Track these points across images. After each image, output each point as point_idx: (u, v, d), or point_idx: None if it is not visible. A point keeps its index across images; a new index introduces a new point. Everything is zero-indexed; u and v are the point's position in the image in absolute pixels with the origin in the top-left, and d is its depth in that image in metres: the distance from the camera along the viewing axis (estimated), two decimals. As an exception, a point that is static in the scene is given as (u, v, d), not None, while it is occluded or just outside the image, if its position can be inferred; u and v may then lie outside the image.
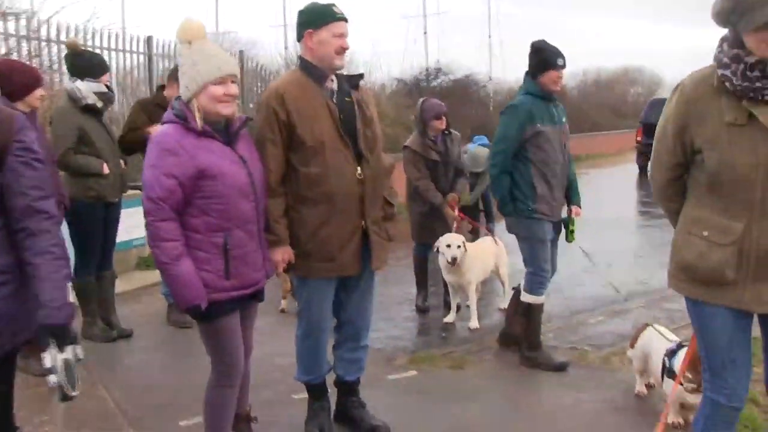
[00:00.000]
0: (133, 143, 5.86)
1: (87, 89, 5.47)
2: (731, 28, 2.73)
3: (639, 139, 21.14)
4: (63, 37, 8.95)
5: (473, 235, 8.05)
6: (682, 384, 4.00)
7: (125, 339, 5.94)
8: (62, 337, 2.56)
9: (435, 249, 6.34)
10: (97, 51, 9.29)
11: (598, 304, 6.77)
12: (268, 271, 3.61)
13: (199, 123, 3.25)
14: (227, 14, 64.32)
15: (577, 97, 35.06)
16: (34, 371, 4.18)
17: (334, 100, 3.77)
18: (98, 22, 13.73)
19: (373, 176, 3.82)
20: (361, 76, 4.03)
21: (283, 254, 3.69)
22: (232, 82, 3.32)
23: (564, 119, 5.18)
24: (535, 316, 5.25)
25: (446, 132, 6.59)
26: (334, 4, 3.76)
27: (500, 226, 11.30)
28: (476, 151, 9.61)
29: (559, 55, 5.03)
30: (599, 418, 4.35)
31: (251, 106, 11.91)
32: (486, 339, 5.99)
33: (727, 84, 2.74)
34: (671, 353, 4.20)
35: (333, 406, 4.20)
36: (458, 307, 6.59)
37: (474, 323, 6.28)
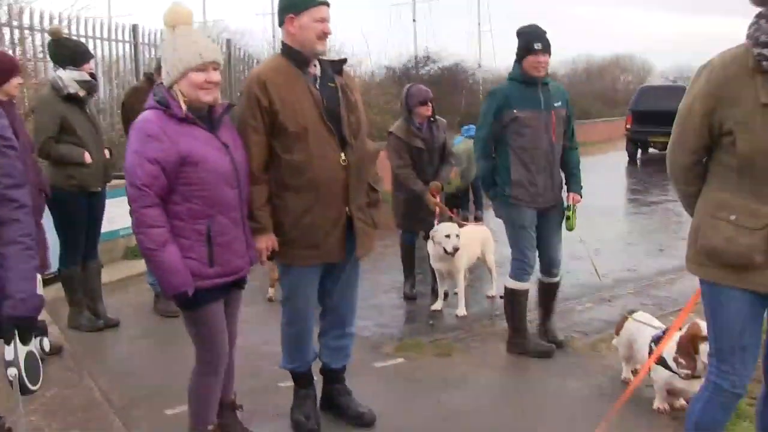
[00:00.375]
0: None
1: (69, 78, 5.41)
2: None
3: (628, 126, 21.18)
4: (47, 25, 8.85)
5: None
6: (668, 367, 4.02)
7: (112, 328, 5.91)
8: (27, 329, 2.52)
9: (430, 238, 6.31)
10: (82, 39, 9.23)
11: (585, 291, 6.77)
12: (252, 259, 3.59)
13: (183, 108, 3.22)
14: (215, 3, 63.92)
15: (566, 85, 34.94)
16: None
17: (317, 86, 3.72)
18: (84, 11, 13.61)
19: (358, 162, 3.79)
20: (344, 61, 3.96)
21: (266, 242, 3.67)
22: (214, 69, 3.29)
23: (557, 104, 5.04)
24: (519, 302, 5.23)
25: (432, 119, 6.53)
26: None
27: (489, 213, 11.41)
28: (458, 146, 9.70)
29: (538, 39, 4.93)
30: (586, 405, 4.36)
31: (239, 94, 11.84)
32: (473, 326, 5.99)
33: (764, 63, 2.66)
34: (657, 340, 4.20)
35: (319, 394, 4.19)
36: (446, 295, 6.59)
37: (461, 311, 6.27)
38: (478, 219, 10.17)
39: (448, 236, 6.13)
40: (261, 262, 3.73)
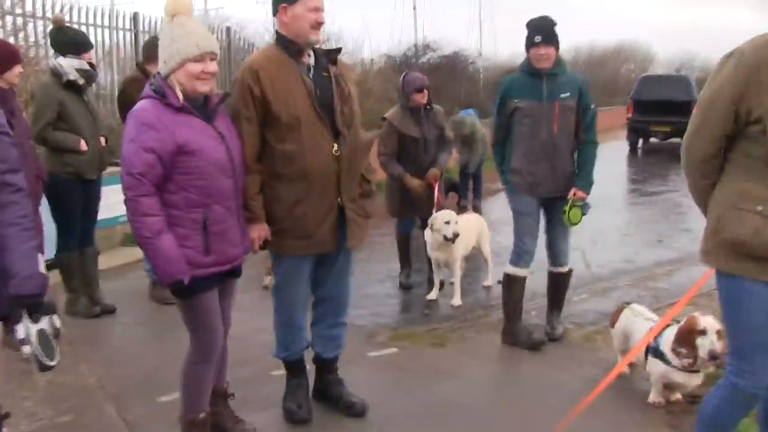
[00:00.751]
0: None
1: (68, 65, 5.46)
2: None
3: (629, 115, 21.08)
4: (49, 13, 8.85)
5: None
6: (666, 360, 4.03)
7: (108, 315, 5.95)
8: (34, 307, 2.57)
9: (428, 227, 6.30)
10: (83, 27, 9.24)
11: (581, 282, 6.73)
12: (247, 247, 3.61)
13: (180, 97, 3.23)
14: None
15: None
16: (14, 345, 4.20)
17: (311, 76, 3.72)
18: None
19: (350, 153, 3.78)
20: (338, 50, 3.95)
21: (259, 231, 3.68)
22: (211, 59, 3.29)
23: (563, 95, 5.00)
24: (514, 289, 5.25)
25: (428, 107, 6.50)
26: None
27: (486, 203, 11.44)
28: (459, 116, 9.81)
29: (539, 31, 4.94)
30: (580, 397, 4.33)
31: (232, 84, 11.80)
32: (468, 316, 6.00)
33: None
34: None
35: (312, 384, 4.21)
36: (442, 284, 6.59)
37: (457, 300, 6.28)
38: (475, 209, 10.18)
39: (447, 222, 6.13)
40: (253, 251, 3.74)
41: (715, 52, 30.52)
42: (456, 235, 6.10)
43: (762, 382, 2.90)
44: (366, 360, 4.97)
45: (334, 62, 3.84)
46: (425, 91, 6.43)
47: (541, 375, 4.75)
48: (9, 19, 8.78)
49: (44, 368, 2.64)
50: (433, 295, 6.48)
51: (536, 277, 5.58)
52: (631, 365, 4.61)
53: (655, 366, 4.15)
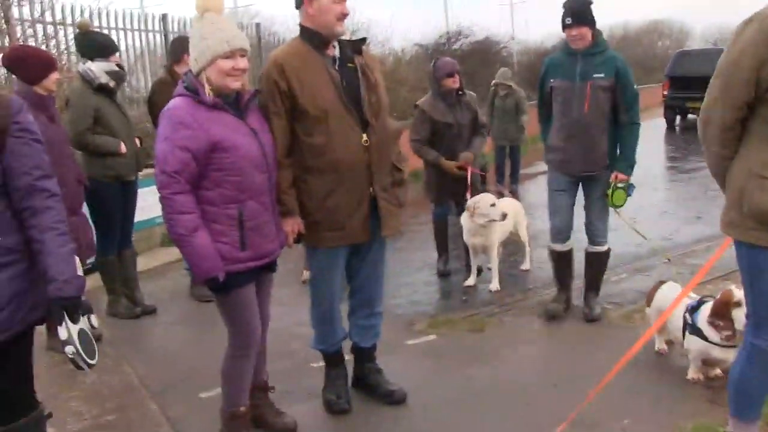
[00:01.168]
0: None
1: (99, 69, 5.48)
2: None
3: (665, 93, 20.78)
4: (78, 19, 8.97)
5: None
6: (704, 336, 3.99)
7: (149, 315, 6.03)
8: (74, 308, 2.64)
9: (465, 211, 6.27)
10: (112, 31, 9.37)
11: (619, 262, 6.66)
12: (282, 242, 3.64)
13: (209, 95, 3.25)
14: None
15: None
16: (58, 348, 4.30)
17: (336, 67, 3.71)
18: (115, 3, 13.75)
19: (379, 143, 3.78)
20: (363, 40, 3.94)
21: (293, 225, 3.70)
22: (241, 56, 3.31)
23: (597, 75, 4.99)
24: (553, 261, 5.58)
25: (460, 92, 6.47)
26: None
27: (522, 187, 11.40)
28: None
29: (569, 13, 4.99)
30: (619, 377, 4.30)
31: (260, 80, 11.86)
32: (507, 300, 5.99)
33: None
34: (692, 309, 4.16)
35: (351, 373, 4.24)
36: (479, 270, 6.58)
37: (495, 285, 6.27)
38: (513, 193, 10.13)
39: (493, 205, 6.13)
40: (288, 245, 3.76)
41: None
42: (505, 216, 6.11)
43: None
44: (404, 348, 4.99)
45: (359, 52, 3.83)
46: (456, 75, 6.39)
47: (579, 356, 4.73)
48: (39, 27, 8.91)
49: (86, 367, 2.71)
50: (470, 281, 6.47)
51: (575, 258, 5.57)
52: (670, 343, 4.57)
53: (693, 343, 4.12)
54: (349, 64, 3.77)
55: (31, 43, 8.49)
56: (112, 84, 5.57)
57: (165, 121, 3.26)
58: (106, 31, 8.94)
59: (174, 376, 4.73)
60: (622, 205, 5.14)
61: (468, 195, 6.37)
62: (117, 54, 5.78)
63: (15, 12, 8.64)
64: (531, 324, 5.36)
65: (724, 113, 2.88)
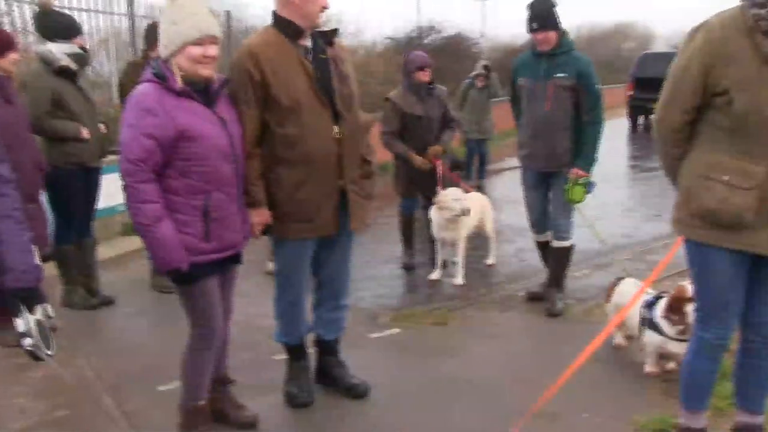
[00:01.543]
0: None
1: (59, 51, 5.30)
2: None
3: (630, 93, 20.99)
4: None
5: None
6: (660, 331, 4.03)
7: (107, 306, 5.85)
8: (31, 299, 2.56)
9: (432, 205, 6.30)
10: (76, 12, 9.15)
11: (582, 258, 6.72)
12: (248, 234, 3.59)
13: (179, 81, 3.19)
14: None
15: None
16: (7, 342, 4.15)
17: (309, 58, 3.67)
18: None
19: (351, 135, 3.75)
20: (335, 31, 3.89)
21: (260, 217, 3.65)
22: (212, 43, 3.24)
23: (559, 75, 5.11)
24: (538, 249, 5.84)
25: (431, 86, 6.49)
26: None
27: (489, 182, 11.44)
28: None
29: (534, 18, 5.10)
30: (580, 371, 4.35)
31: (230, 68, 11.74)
32: (471, 295, 6.01)
33: (761, 23, 2.71)
34: (649, 305, 4.24)
35: (314, 367, 4.21)
36: (444, 264, 6.60)
37: (459, 280, 6.29)
38: (480, 188, 10.16)
39: (457, 199, 6.14)
40: (255, 237, 3.71)
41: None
42: (467, 211, 6.11)
43: (725, 334, 3.14)
44: (368, 341, 4.98)
45: (331, 44, 3.78)
46: (427, 69, 6.42)
47: (541, 350, 4.79)
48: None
49: (42, 359, 2.63)
50: (435, 275, 6.49)
51: (535, 254, 5.62)
52: (630, 338, 4.63)
53: (650, 337, 4.21)
54: (321, 55, 3.72)
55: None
56: (74, 67, 5.39)
57: (131, 107, 3.19)
58: (68, 12, 8.72)
59: (131, 368, 4.59)
60: (580, 201, 5.24)
61: (439, 188, 6.38)
62: (80, 36, 5.61)
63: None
64: (494, 318, 5.40)
65: (674, 116, 3.03)
